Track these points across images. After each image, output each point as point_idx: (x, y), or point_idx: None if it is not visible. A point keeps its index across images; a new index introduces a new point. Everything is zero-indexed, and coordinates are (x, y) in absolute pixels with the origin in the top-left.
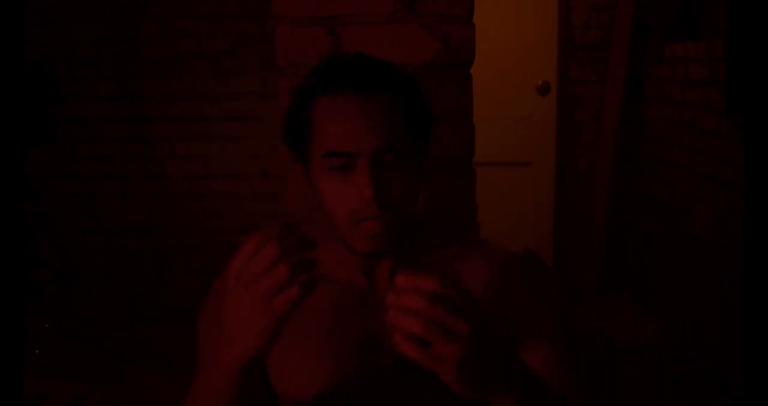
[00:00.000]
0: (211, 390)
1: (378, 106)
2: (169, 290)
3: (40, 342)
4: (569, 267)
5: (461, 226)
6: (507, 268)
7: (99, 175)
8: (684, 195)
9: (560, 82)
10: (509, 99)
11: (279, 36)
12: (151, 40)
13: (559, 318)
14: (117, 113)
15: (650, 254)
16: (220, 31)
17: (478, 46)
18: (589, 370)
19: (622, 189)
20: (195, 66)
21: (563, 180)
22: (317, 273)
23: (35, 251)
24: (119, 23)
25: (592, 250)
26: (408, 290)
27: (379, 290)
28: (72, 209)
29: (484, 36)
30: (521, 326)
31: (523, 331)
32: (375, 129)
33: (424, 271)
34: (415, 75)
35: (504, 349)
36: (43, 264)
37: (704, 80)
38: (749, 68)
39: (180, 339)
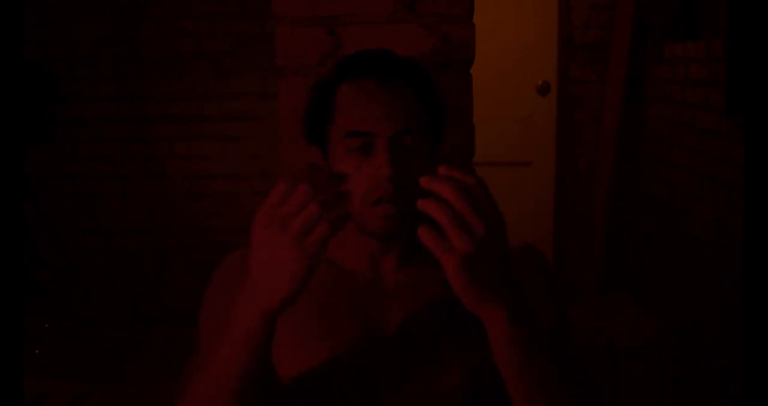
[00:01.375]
0: (241, 335)
1: (397, 94)
2: (169, 290)
3: (40, 342)
4: (569, 267)
5: None
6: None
7: (99, 175)
8: (684, 195)
9: (560, 82)
10: (509, 99)
11: (279, 36)
12: (151, 40)
13: (558, 307)
14: (117, 113)
15: (650, 254)
16: (220, 31)
17: (478, 46)
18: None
19: (622, 189)
20: (195, 66)
21: (563, 180)
22: (326, 258)
23: (35, 251)
24: (119, 23)
25: (592, 250)
26: (444, 179)
27: (384, 281)
28: (72, 209)
29: (484, 36)
30: None
31: None
32: (394, 113)
33: (429, 263)
34: None
35: (508, 274)
36: (43, 264)
37: (704, 80)
38: (749, 68)
39: (180, 339)
